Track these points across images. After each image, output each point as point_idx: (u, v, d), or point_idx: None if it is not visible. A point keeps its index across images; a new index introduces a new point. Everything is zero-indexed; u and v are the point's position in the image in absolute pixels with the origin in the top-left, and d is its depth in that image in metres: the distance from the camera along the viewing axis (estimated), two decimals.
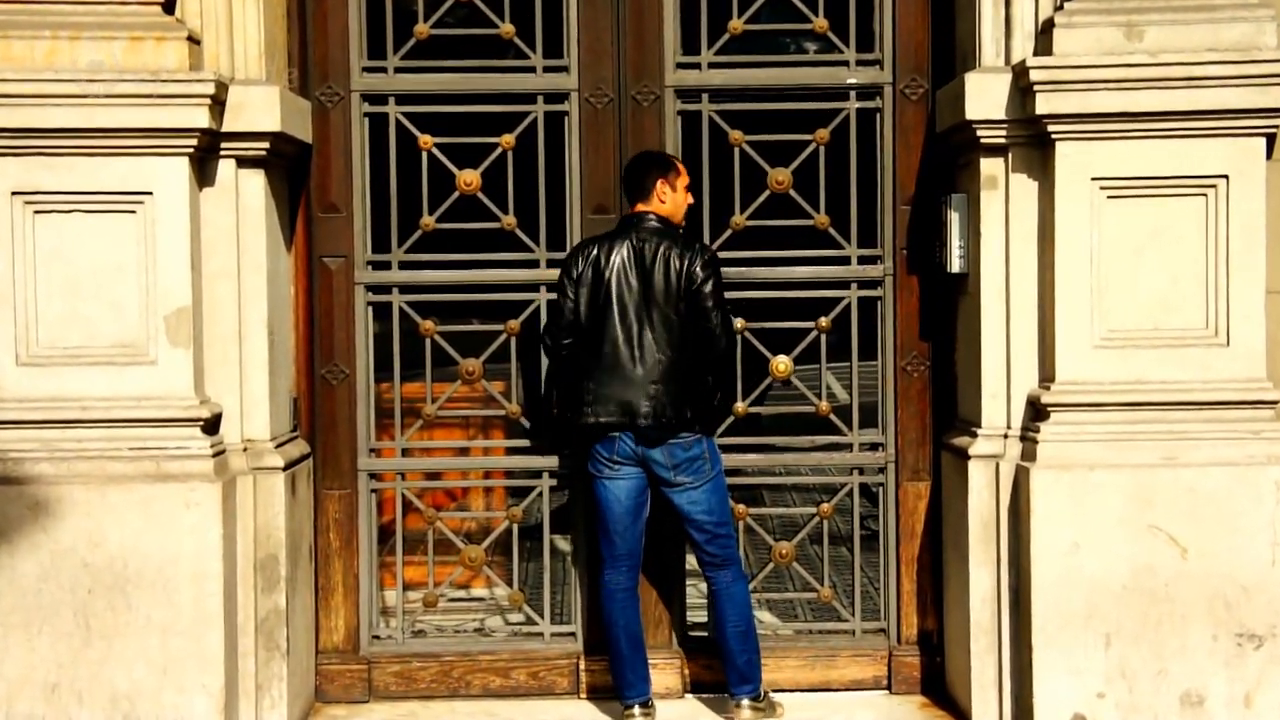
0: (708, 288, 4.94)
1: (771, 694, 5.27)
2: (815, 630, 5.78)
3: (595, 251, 5.04)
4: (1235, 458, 4.80)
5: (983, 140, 4.95)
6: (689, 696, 5.50)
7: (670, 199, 5.08)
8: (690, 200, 5.19)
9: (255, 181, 5.01)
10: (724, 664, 5.15)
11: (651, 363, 4.95)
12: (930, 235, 5.36)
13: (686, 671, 5.51)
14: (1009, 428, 5.04)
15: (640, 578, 5.22)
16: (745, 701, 5.10)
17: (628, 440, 4.99)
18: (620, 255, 5.00)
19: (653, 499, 5.10)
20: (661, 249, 4.97)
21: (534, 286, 5.50)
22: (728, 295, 5.07)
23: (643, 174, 5.10)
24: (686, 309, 4.95)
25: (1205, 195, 4.84)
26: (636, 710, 5.12)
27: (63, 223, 4.80)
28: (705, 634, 5.51)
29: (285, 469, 5.05)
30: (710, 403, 5.10)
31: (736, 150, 5.47)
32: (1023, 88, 4.83)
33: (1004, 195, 5.00)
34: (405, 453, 5.61)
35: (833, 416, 5.55)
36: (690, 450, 4.99)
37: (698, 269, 4.94)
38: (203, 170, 4.92)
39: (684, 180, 5.14)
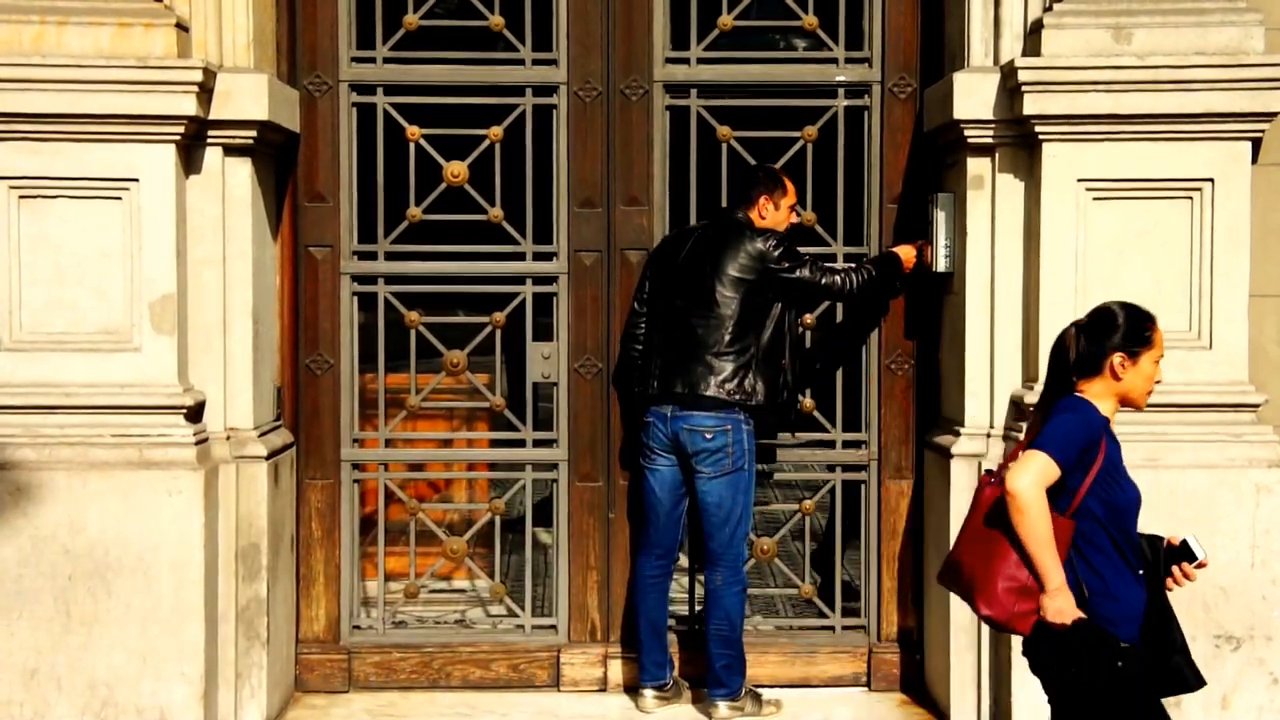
0: (785, 262, 5.04)
1: (758, 689, 5.29)
2: (796, 627, 5.79)
3: (672, 238, 5.25)
4: (1216, 460, 4.82)
5: (970, 140, 4.95)
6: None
7: (771, 216, 5.19)
8: (793, 219, 5.29)
9: (242, 170, 4.99)
10: (705, 663, 5.19)
11: (696, 345, 5.05)
12: (916, 234, 5.36)
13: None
14: (992, 427, 5.04)
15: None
16: (719, 703, 5.16)
17: (660, 426, 5.09)
18: (688, 245, 5.16)
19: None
20: (728, 237, 5.08)
21: (520, 279, 5.49)
22: None
23: (750, 185, 5.22)
24: (756, 287, 5.03)
25: (1191, 198, 4.85)
26: (645, 693, 5.28)
27: (48, 208, 4.79)
28: (685, 628, 5.53)
29: (268, 458, 5.04)
30: (750, 384, 5.05)
31: (725, 146, 5.46)
32: (1011, 88, 4.83)
33: (990, 195, 5.01)
34: (388, 443, 5.61)
35: (816, 413, 5.56)
36: (712, 441, 5.04)
37: (768, 247, 5.03)
38: (189, 158, 4.90)
39: (789, 200, 5.24)
